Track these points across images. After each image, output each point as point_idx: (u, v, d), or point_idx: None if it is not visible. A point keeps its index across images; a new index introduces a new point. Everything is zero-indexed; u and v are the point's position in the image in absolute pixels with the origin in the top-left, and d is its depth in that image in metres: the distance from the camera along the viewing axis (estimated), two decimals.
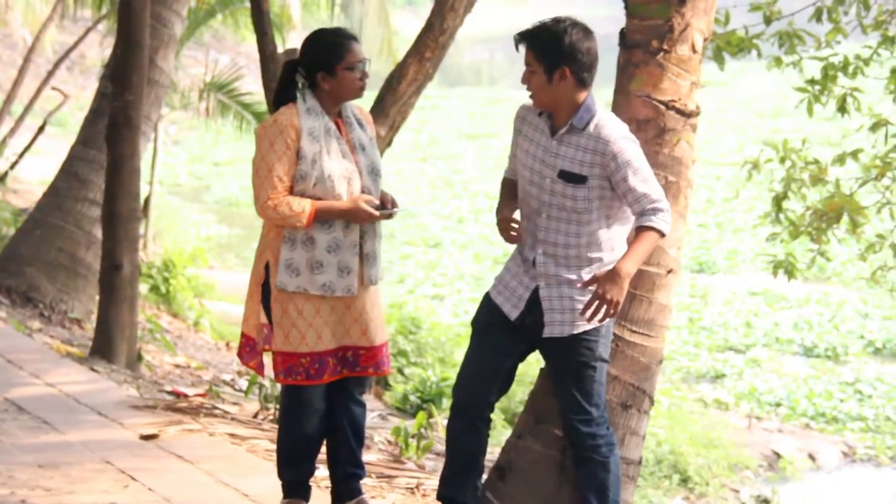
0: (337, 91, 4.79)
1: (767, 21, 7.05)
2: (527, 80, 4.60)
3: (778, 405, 14.64)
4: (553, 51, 4.53)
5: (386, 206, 4.84)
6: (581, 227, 4.61)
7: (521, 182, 4.71)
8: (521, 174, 4.69)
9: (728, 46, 6.74)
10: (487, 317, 4.76)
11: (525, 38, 4.57)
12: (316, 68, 4.78)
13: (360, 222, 4.75)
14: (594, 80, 4.61)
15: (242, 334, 4.94)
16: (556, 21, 4.58)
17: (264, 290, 4.81)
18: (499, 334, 4.73)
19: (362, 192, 4.79)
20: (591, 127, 4.57)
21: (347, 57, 4.76)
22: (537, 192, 4.63)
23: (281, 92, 4.87)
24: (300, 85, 4.82)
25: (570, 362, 4.69)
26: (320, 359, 4.75)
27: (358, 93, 4.83)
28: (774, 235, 8.35)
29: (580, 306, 4.58)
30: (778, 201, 8.15)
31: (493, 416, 4.85)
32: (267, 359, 4.95)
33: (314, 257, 4.71)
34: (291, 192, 4.71)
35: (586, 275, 4.60)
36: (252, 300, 4.86)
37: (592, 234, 4.61)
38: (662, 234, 4.56)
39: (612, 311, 4.52)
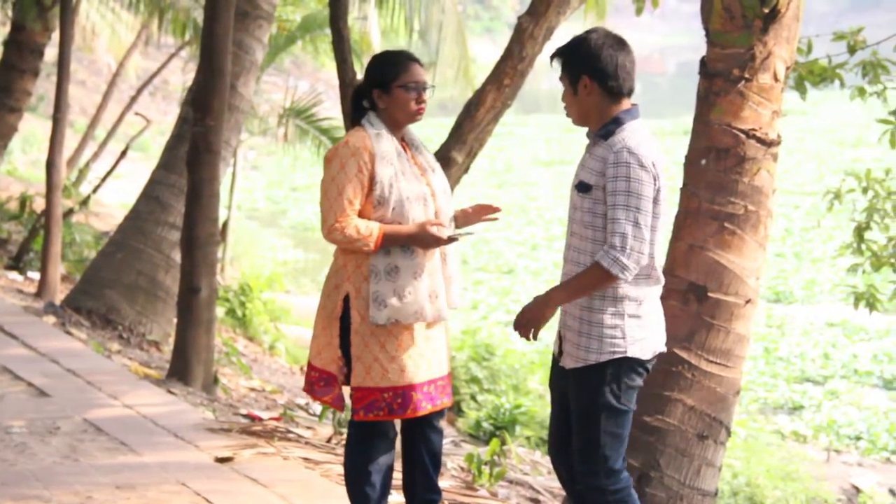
0: (392, 111, 4.71)
1: (851, 50, 6.95)
2: (563, 96, 4.43)
3: (858, 438, 14.39)
4: (574, 60, 4.35)
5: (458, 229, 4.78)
6: (587, 244, 4.31)
7: None
8: None
9: (810, 76, 6.66)
10: (552, 362, 4.54)
11: (556, 52, 4.43)
12: (373, 85, 4.73)
13: (428, 248, 4.65)
14: (630, 92, 4.36)
15: (313, 368, 4.79)
16: (587, 32, 4.41)
17: (341, 324, 4.69)
18: (557, 380, 4.50)
19: (436, 214, 4.72)
20: (611, 137, 4.29)
21: (404, 76, 4.68)
22: (569, 206, 4.46)
23: (352, 115, 4.82)
24: (365, 106, 4.78)
25: (575, 402, 4.38)
26: (403, 393, 4.64)
27: (413, 116, 4.73)
28: (856, 266, 8.22)
29: (583, 339, 4.29)
30: (860, 232, 8.02)
31: None
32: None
33: (402, 286, 4.61)
34: (366, 218, 4.63)
35: (596, 300, 4.27)
36: (325, 333, 4.73)
37: (597, 252, 4.26)
38: (609, 276, 4.17)
39: (524, 333, 4.31)
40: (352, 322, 4.66)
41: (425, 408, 4.71)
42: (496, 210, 4.85)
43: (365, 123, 4.72)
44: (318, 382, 4.77)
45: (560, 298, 4.30)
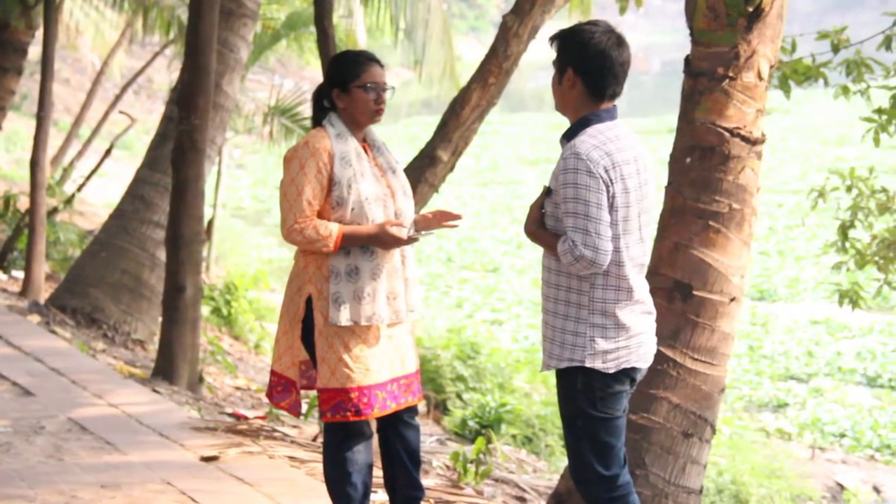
0: (351, 111, 4.71)
1: (835, 49, 6.99)
2: (552, 80, 4.33)
3: (842, 436, 14.43)
4: (565, 50, 4.24)
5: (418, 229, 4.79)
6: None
7: None
8: None
9: (794, 75, 6.69)
10: None
11: (554, 36, 4.31)
12: (333, 85, 4.74)
13: (387, 248, 4.66)
14: (613, 96, 4.24)
15: (274, 373, 4.79)
16: (588, 23, 4.27)
17: (304, 326, 4.70)
18: None
19: (396, 214, 4.73)
20: (573, 139, 4.18)
21: (363, 76, 4.69)
22: None
23: (315, 116, 4.83)
24: (326, 105, 4.79)
25: (559, 406, 4.32)
26: (369, 392, 4.64)
27: (372, 116, 4.73)
28: (840, 264, 8.26)
29: (547, 344, 4.25)
30: (844, 230, 8.06)
31: (552, 441, 4.69)
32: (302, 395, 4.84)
33: (361, 287, 4.61)
34: (325, 219, 4.64)
35: (561, 305, 4.20)
36: (287, 337, 4.73)
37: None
38: (559, 257, 4.15)
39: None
40: (315, 324, 4.66)
41: (389, 406, 4.72)
42: (457, 217, 4.85)
43: (326, 124, 4.74)
44: (276, 387, 4.79)
45: (532, 233, 4.27)
